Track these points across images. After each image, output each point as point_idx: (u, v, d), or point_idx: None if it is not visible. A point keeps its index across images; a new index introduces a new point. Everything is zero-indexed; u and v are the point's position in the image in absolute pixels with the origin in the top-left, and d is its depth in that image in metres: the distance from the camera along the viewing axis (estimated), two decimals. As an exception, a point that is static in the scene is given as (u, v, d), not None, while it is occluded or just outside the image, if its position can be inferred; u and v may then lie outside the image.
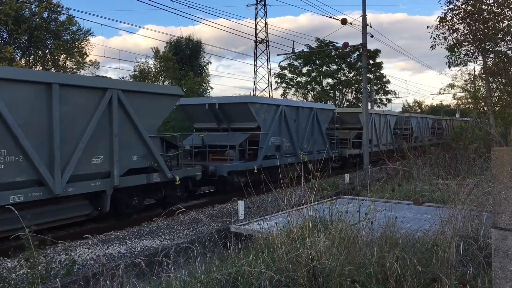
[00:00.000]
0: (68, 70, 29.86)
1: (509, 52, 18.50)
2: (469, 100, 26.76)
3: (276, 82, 47.86)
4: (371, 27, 21.62)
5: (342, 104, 46.92)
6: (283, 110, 16.70)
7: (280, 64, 50.18)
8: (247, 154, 15.49)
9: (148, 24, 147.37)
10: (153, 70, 37.19)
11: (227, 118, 16.15)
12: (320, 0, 78.46)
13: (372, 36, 22.28)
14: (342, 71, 47.52)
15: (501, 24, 17.84)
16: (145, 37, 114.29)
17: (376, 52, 45.67)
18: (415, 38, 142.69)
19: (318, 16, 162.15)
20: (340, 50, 40.99)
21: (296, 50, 29.65)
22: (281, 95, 47.82)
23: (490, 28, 17.64)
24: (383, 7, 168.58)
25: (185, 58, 38.62)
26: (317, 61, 46.27)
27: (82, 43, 30.97)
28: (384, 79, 49.56)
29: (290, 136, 17.17)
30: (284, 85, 48.17)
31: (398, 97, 76.09)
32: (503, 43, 18.55)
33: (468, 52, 19.19)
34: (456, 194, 7.46)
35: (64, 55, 30.12)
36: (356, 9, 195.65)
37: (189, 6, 44.26)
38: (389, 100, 51.13)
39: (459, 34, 18.44)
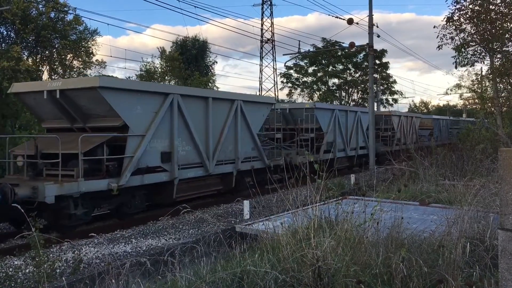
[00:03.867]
0: (74, 70, 29.99)
1: (516, 52, 18.40)
2: (476, 100, 26.62)
3: (282, 82, 47.88)
4: (377, 27, 21.59)
5: (348, 104, 46.86)
6: None
7: (286, 64, 50.14)
8: None
9: (155, 23, 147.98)
10: (159, 69, 37.28)
11: None
12: (328, 0, 78.19)
13: (378, 36, 22.25)
14: (348, 71, 47.42)
15: (508, 24, 17.74)
16: (152, 37, 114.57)
17: (383, 52, 45.51)
18: (423, 38, 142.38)
19: (326, 16, 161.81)
20: (347, 50, 40.92)
21: (302, 50, 29.62)
22: (287, 95, 47.86)
23: (498, 28, 17.54)
24: (391, 6, 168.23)
25: (191, 57, 38.68)
26: (323, 61, 46.19)
27: (89, 42, 31.05)
28: (391, 79, 49.41)
29: None
30: (290, 85, 48.16)
31: (405, 97, 75.45)
32: (510, 43, 18.47)
33: (475, 52, 19.12)
34: (463, 195, 7.42)
35: (71, 55, 30.22)
36: (364, 9, 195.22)
37: (195, 6, 44.46)
38: (395, 100, 50.98)
39: (466, 34, 18.38)
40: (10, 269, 7.26)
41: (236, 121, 14.17)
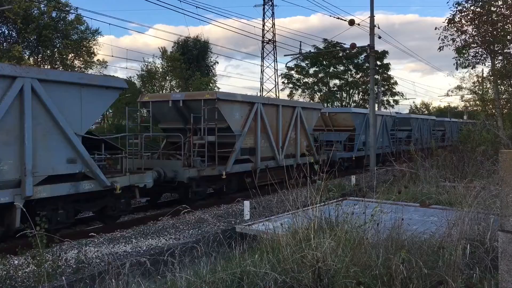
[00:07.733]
0: (76, 69, 30.03)
1: (517, 54, 18.39)
2: (477, 102, 26.57)
3: (283, 82, 47.91)
4: (379, 28, 21.56)
5: (349, 105, 46.88)
6: None
7: (287, 65, 50.19)
8: None
9: (158, 23, 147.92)
10: (160, 70, 37.34)
11: None
12: (331, 1, 78.19)
13: (380, 37, 22.20)
14: (349, 72, 47.45)
15: (510, 26, 17.72)
16: (155, 37, 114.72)
17: (384, 53, 45.53)
18: (426, 39, 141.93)
19: (328, 17, 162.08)
20: (348, 51, 40.92)
21: (303, 51, 29.59)
22: (288, 95, 47.88)
23: (499, 30, 17.52)
24: (394, 8, 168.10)
25: (192, 58, 38.73)
26: (324, 62, 46.22)
27: (90, 42, 31.10)
28: (392, 81, 49.43)
29: None
30: (291, 85, 48.19)
31: (406, 99, 75.28)
32: (511, 45, 18.44)
33: (476, 54, 19.08)
34: (463, 197, 7.41)
35: (72, 54, 30.29)
36: (368, 10, 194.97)
37: (197, 7, 44.28)
38: (396, 102, 51.00)
39: (468, 35, 18.34)
40: (11, 268, 7.26)
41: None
